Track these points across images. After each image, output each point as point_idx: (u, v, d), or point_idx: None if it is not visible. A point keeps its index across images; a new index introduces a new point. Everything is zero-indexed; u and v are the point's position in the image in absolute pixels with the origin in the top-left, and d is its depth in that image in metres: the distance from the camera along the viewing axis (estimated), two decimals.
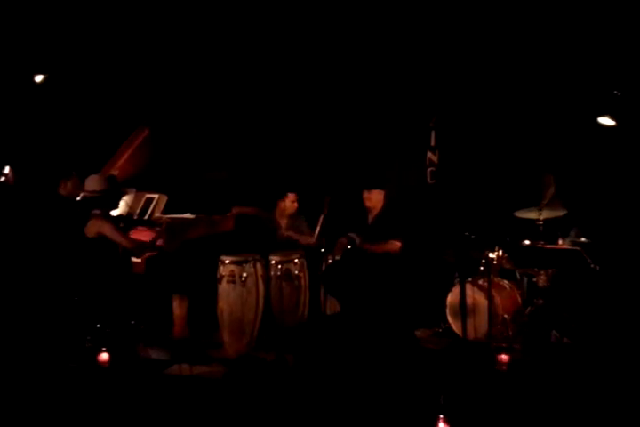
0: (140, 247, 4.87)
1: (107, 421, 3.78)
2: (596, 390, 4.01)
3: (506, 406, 3.78)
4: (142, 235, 5.15)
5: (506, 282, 5.42)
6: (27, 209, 5.08)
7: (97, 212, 4.73)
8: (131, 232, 5.01)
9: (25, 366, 4.42)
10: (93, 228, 4.69)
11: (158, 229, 5.18)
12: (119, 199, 5.09)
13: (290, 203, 5.85)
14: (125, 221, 5.14)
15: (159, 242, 5.07)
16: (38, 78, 6.29)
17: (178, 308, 5.23)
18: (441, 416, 3.34)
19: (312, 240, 5.52)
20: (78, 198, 5.25)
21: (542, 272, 5.10)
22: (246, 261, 5.17)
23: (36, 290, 4.72)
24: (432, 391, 3.77)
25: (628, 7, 5.33)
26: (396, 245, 5.34)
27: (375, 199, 5.55)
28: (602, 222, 5.27)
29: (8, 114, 6.31)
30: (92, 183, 4.83)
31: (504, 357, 4.27)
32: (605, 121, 5.64)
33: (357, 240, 5.45)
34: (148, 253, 5.01)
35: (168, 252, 5.06)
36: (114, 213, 5.10)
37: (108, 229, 4.66)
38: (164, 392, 4.23)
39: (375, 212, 5.62)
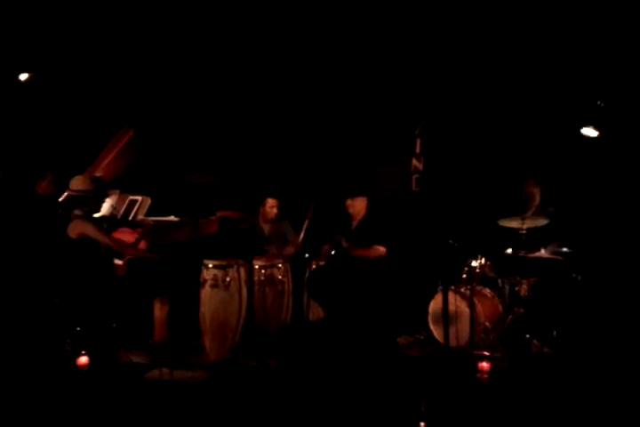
0: (124, 248, 4.82)
1: (85, 425, 3.73)
2: (575, 399, 4.05)
3: (486, 415, 3.80)
4: (125, 237, 5.12)
5: (488, 290, 5.45)
6: (8, 209, 5.02)
7: (78, 213, 4.68)
8: (113, 234, 4.96)
9: (2, 367, 4.36)
10: (76, 229, 4.64)
11: (141, 231, 5.14)
12: (103, 201, 5.03)
13: (269, 208, 5.83)
14: (108, 223, 5.09)
15: (141, 244, 5.04)
16: (23, 77, 6.24)
17: (159, 311, 5.18)
18: (422, 424, 3.34)
19: (292, 250, 5.53)
20: (61, 199, 5.21)
21: (524, 281, 5.13)
22: (230, 266, 5.15)
23: (15, 291, 4.66)
24: (413, 398, 3.78)
25: (612, 19, 5.39)
26: (380, 250, 5.36)
27: (358, 206, 5.58)
28: (584, 232, 5.31)
29: None
30: (79, 183, 4.77)
31: (485, 365, 4.29)
32: (589, 132, 5.71)
33: (344, 244, 5.45)
34: (132, 254, 4.97)
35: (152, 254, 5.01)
36: (97, 214, 5.04)
37: (90, 230, 4.62)
38: (143, 397, 4.19)
39: (359, 218, 5.65)
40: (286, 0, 5.86)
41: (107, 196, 5.13)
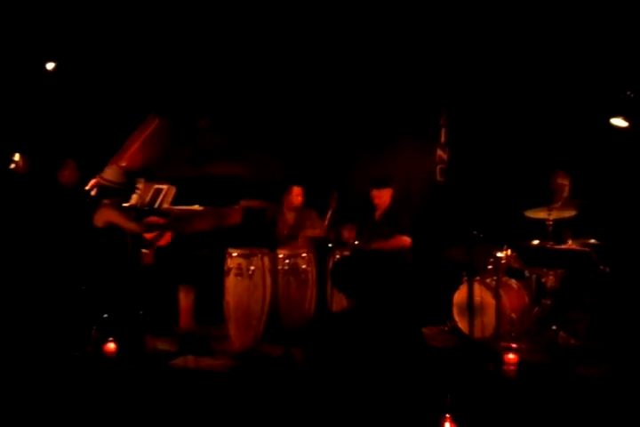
0: (148, 227, 4.83)
1: (111, 411, 3.77)
2: (602, 390, 4.00)
3: (512, 407, 3.77)
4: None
5: (514, 281, 5.40)
6: (36, 197, 5.06)
7: (106, 201, 4.71)
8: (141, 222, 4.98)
9: (31, 354, 4.42)
10: (102, 216, 4.68)
11: (166, 219, 5.16)
12: (131, 194, 5.06)
13: (295, 196, 5.79)
14: (136, 211, 5.11)
15: (167, 234, 5.05)
16: (50, 66, 6.27)
17: (184, 299, 5.22)
18: (447, 416, 3.33)
19: (317, 232, 5.49)
20: (88, 187, 5.24)
21: (551, 272, 5.08)
22: (254, 255, 5.16)
23: (43, 279, 4.71)
24: (438, 390, 3.76)
25: None
26: (406, 240, 5.33)
27: (384, 197, 5.58)
28: (613, 224, 5.23)
29: (19, 102, 6.28)
30: (113, 174, 4.79)
31: (511, 357, 4.25)
32: (618, 122, 5.60)
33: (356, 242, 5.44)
34: (157, 240, 4.99)
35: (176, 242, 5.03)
36: (125, 204, 5.07)
37: (114, 216, 4.65)
38: (168, 384, 4.22)
39: (383, 208, 5.63)
40: None
41: (136, 189, 5.15)
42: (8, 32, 6.02)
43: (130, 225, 4.66)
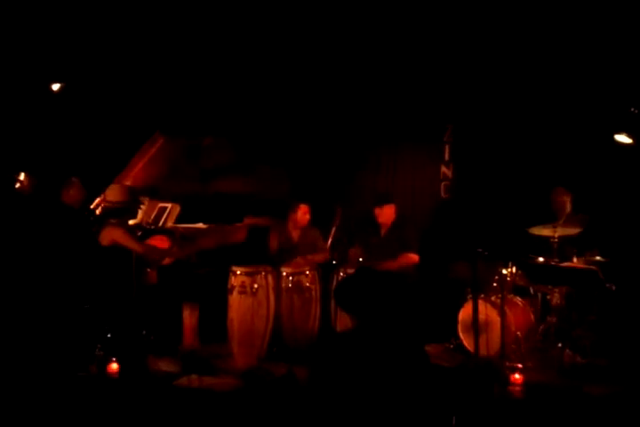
0: (152, 252, 4.84)
1: None
2: (609, 409, 3.96)
3: None
4: (157, 244, 5.14)
5: (519, 299, 5.36)
6: (40, 217, 5.08)
7: (113, 221, 4.73)
8: (146, 241, 5.00)
9: (33, 373, 4.41)
10: (107, 235, 4.69)
11: (171, 238, 5.18)
12: (137, 210, 5.08)
13: (302, 215, 5.75)
14: (142, 230, 5.14)
15: (173, 251, 5.07)
16: (55, 87, 6.33)
17: (188, 317, 5.23)
18: None
19: (322, 257, 5.49)
20: (92, 206, 5.27)
21: (556, 290, 5.05)
22: (258, 273, 5.16)
23: (48, 298, 4.72)
24: (444, 410, 3.72)
25: None
26: (413, 257, 5.31)
27: (387, 214, 5.56)
28: (618, 241, 5.20)
29: (25, 122, 6.34)
30: (115, 194, 4.81)
31: (517, 377, 4.21)
32: (622, 139, 5.60)
33: (361, 260, 5.42)
34: (161, 260, 4.99)
35: (180, 261, 5.04)
36: (131, 221, 5.09)
37: (119, 235, 4.65)
38: (171, 404, 4.20)
39: (387, 225, 5.62)
40: None
41: (141, 204, 5.17)
42: (13, 51, 6.09)
43: (134, 246, 4.66)
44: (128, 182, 5.49)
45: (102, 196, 4.95)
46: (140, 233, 4.98)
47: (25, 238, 4.90)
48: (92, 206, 5.30)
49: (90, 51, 6.28)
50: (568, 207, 5.44)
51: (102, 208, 4.97)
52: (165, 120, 6.31)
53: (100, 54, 6.32)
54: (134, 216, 5.06)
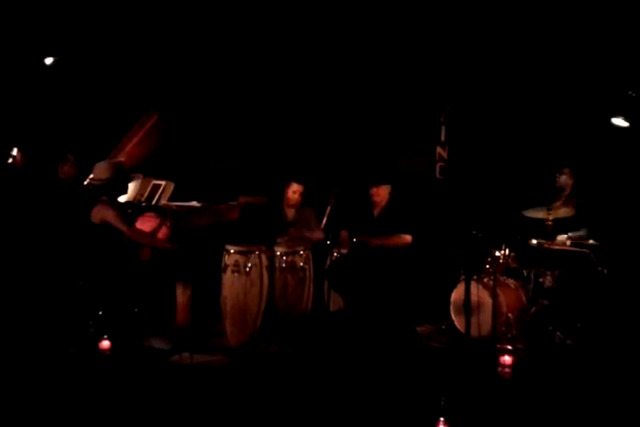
0: (140, 236, 4.82)
1: (105, 407, 3.77)
2: (598, 392, 4.00)
3: (508, 410, 3.76)
4: (148, 221, 5.11)
5: (511, 281, 5.38)
6: (32, 192, 5.05)
7: (104, 198, 4.70)
8: (138, 219, 4.97)
9: (26, 351, 4.42)
10: (98, 214, 4.67)
11: (164, 216, 5.15)
12: (126, 186, 5.04)
13: (291, 193, 5.73)
14: (133, 208, 5.10)
15: (164, 230, 5.04)
16: (48, 61, 6.25)
17: (181, 295, 5.22)
18: (441, 419, 3.32)
19: (319, 235, 5.49)
20: (86, 182, 5.23)
21: (549, 272, 5.07)
22: (251, 252, 5.16)
23: (40, 274, 4.71)
24: (433, 392, 3.75)
25: None
26: (406, 238, 5.30)
27: (383, 194, 5.53)
28: (612, 224, 5.21)
29: (18, 96, 6.27)
30: (100, 171, 4.78)
31: (507, 359, 4.24)
32: (619, 122, 5.57)
33: (354, 238, 5.41)
34: (148, 243, 4.97)
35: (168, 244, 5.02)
36: (121, 198, 5.06)
37: (111, 216, 4.63)
38: (163, 381, 4.22)
39: (382, 205, 5.60)
40: None
41: (129, 181, 5.13)
42: (6, 27, 6.00)
43: (123, 227, 4.63)
44: (121, 159, 5.44)
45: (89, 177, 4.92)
46: (130, 211, 4.94)
47: (17, 213, 4.88)
48: (85, 183, 5.27)
49: (83, 25, 6.19)
50: (568, 190, 5.44)
51: (90, 186, 4.93)
52: (160, 97, 6.24)
53: (93, 28, 6.23)
54: (124, 193, 5.02)
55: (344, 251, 5.48)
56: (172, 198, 5.45)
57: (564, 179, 5.43)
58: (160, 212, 5.21)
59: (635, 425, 3.64)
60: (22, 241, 4.83)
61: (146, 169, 5.53)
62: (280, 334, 4.99)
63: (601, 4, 5.45)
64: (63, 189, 5.19)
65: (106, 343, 4.38)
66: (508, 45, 5.93)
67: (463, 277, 5.16)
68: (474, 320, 4.94)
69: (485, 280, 5.26)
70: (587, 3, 5.49)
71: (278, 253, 5.31)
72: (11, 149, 5.47)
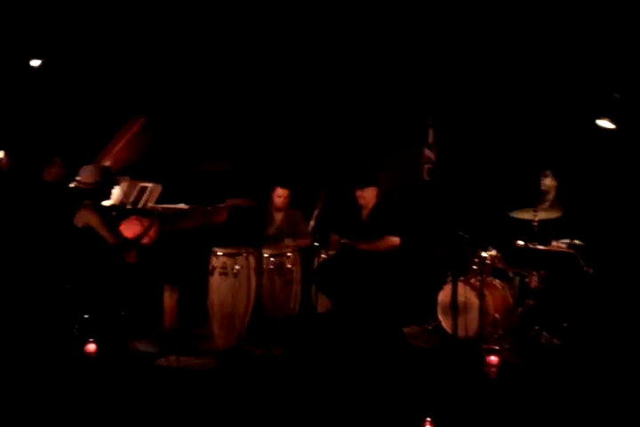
0: (122, 244, 4.80)
1: (91, 411, 3.75)
2: (584, 391, 4.02)
3: (494, 410, 3.78)
4: (135, 224, 5.10)
5: (498, 282, 5.42)
6: (18, 195, 5.02)
7: (88, 202, 4.68)
8: (123, 222, 4.96)
9: (11, 353, 4.39)
10: (81, 218, 4.65)
11: (151, 218, 5.14)
12: (110, 190, 5.02)
13: (277, 198, 5.72)
14: (118, 211, 5.09)
15: (151, 232, 5.03)
16: (35, 63, 6.23)
17: (168, 298, 5.21)
18: (428, 419, 3.32)
19: (307, 241, 5.49)
20: (72, 185, 5.21)
21: (534, 273, 5.10)
22: (239, 254, 5.16)
23: (25, 277, 4.68)
24: (420, 392, 3.76)
25: (629, 9, 5.29)
26: (394, 241, 5.30)
27: (369, 196, 5.52)
28: (597, 226, 5.25)
29: (3, 98, 6.24)
30: (87, 175, 4.77)
31: (493, 359, 4.25)
32: (604, 124, 5.61)
33: (343, 240, 5.42)
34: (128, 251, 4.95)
35: (154, 245, 5.00)
36: (106, 202, 5.04)
37: (94, 222, 4.61)
38: (150, 384, 4.21)
39: (369, 208, 5.60)
40: None
41: (115, 184, 5.11)
42: None
43: (105, 233, 4.61)
44: (108, 162, 5.42)
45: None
46: (115, 214, 4.93)
47: (2, 215, 4.85)
48: (71, 185, 5.24)
49: (70, 27, 6.17)
50: (553, 192, 5.46)
51: (74, 187, 4.91)
52: (147, 100, 6.23)
53: (81, 30, 6.21)
54: (107, 197, 5.01)
55: (332, 253, 5.49)
56: (159, 201, 5.43)
57: (547, 181, 5.47)
58: (147, 214, 5.20)
59: (621, 424, 3.66)
60: (7, 244, 4.79)
61: (133, 171, 5.51)
62: (267, 335, 4.99)
63: (585, 7, 5.49)
64: (49, 192, 5.16)
65: (92, 347, 4.35)
66: (495, 49, 5.96)
67: (450, 277, 5.17)
68: (461, 321, 4.96)
69: (472, 281, 5.29)
70: (571, 6, 5.53)
71: (266, 255, 5.32)
72: None
